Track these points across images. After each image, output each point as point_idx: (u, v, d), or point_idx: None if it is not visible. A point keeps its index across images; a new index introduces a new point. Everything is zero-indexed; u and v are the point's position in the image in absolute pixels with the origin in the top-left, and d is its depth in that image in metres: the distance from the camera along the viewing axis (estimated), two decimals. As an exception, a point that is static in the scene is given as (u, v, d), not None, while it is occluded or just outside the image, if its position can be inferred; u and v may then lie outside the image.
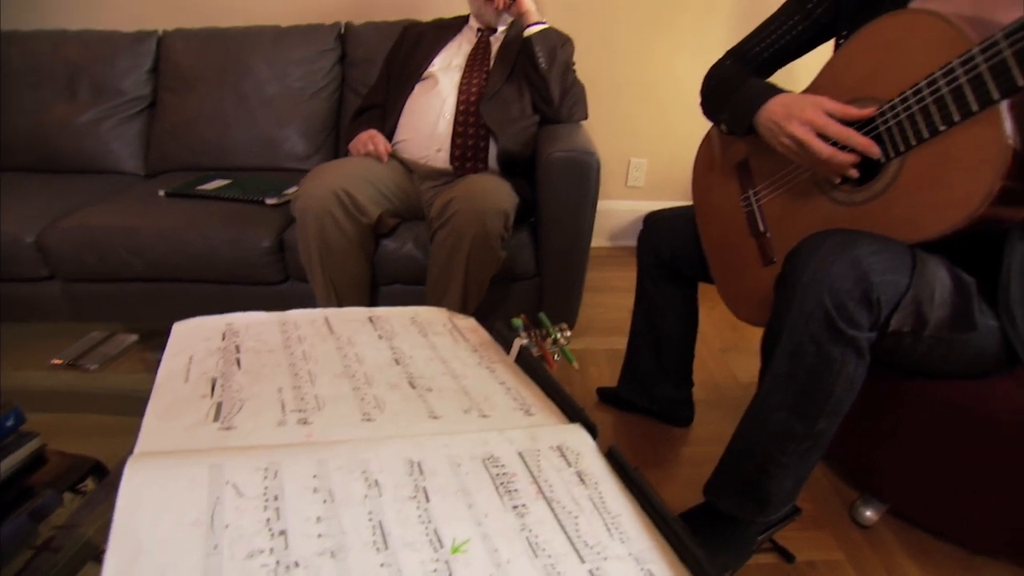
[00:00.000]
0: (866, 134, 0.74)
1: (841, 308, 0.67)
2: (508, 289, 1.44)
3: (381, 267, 1.41)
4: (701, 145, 1.07)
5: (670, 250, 1.13)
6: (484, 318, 1.40)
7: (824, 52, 0.89)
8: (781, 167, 0.89)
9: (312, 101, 1.87)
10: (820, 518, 1.11)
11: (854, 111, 0.74)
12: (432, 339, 0.72)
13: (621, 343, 1.33)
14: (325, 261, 1.28)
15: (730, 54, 1.01)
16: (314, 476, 0.42)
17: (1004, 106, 0.61)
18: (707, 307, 1.21)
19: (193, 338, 0.59)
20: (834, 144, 0.76)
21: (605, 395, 1.41)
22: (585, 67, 1.72)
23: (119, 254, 1.42)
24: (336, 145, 1.90)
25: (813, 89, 0.84)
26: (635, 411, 1.36)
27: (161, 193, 1.59)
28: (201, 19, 1.94)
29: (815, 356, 0.70)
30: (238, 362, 0.56)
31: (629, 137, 2.17)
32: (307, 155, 1.87)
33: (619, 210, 2.27)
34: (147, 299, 1.51)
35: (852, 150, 0.75)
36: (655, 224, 1.15)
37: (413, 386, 0.59)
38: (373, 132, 1.48)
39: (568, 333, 0.71)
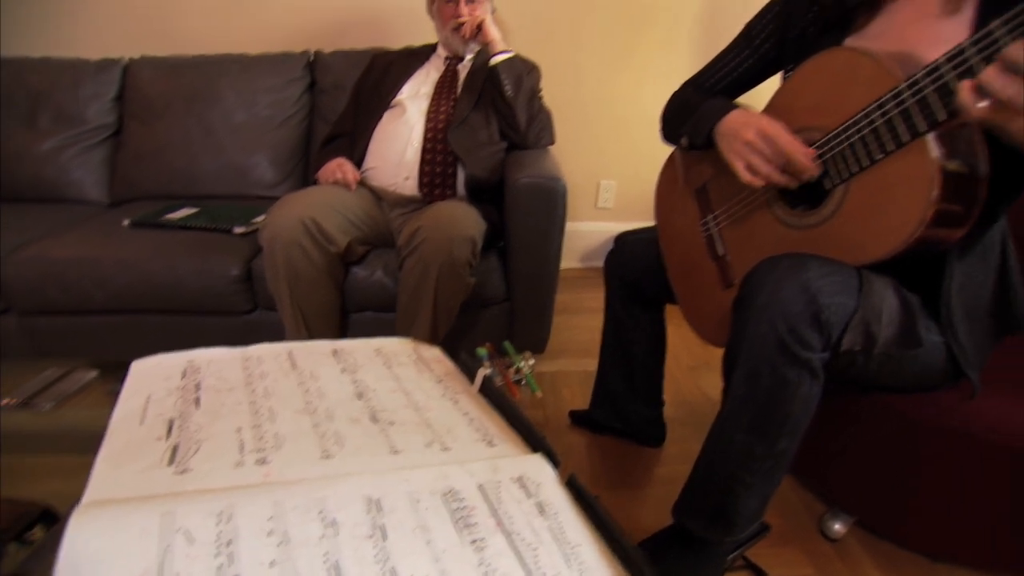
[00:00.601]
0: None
1: (793, 331, 0.70)
2: (479, 314, 1.45)
3: (351, 295, 1.40)
4: (662, 171, 1.11)
5: (635, 273, 1.15)
6: (455, 344, 1.41)
7: (775, 83, 0.94)
8: (737, 192, 0.92)
9: (281, 129, 1.87)
10: (790, 533, 1.12)
11: (800, 145, 0.78)
12: (396, 370, 0.72)
13: (594, 364, 1.35)
14: (294, 290, 1.27)
15: (688, 84, 1.05)
16: (270, 518, 0.42)
17: (932, 137, 0.65)
18: (676, 324, 1.23)
19: (152, 377, 0.59)
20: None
21: (577, 418, 1.42)
22: (553, 92, 1.76)
23: (81, 286, 1.39)
24: (306, 173, 1.90)
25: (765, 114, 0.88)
26: (608, 432, 1.37)
27: (125, 223, 1.57)
28: (168, 48, 1.93)
29: (771, 378, 0.72)
30: (197, 401, 0.55)
31: (598, 160, 2.22)
32: (276, 183, 1.86)
33: (590, 231, 2.31)
34: (110, 332, 1.47)
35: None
36: (620, 248, 1.18)
37: (375, 420, 0.59)
38: (341, 160, 1.49)
39: (532, 362, 0.72)
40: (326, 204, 1.31)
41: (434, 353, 0.79)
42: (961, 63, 0.60)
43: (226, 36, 1.98)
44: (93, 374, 0.85)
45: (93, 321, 1.46)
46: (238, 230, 1.52)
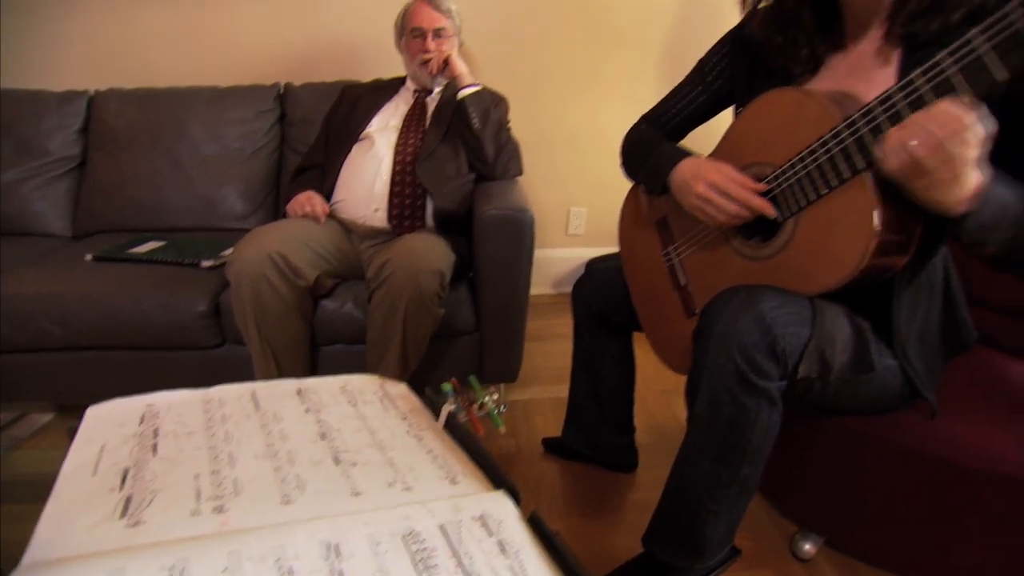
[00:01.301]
0: (764, 196, 0.81)
1: (750, 361, 0.72)
2: (449, 345, 1.45)
3: (321, 328, 1.39)
4: (625, 203, 1.14)
5: (602, 302, 1.17)
6: (425, 375, 1.41)
7: (729, 116, 0.98)
8: (695, 224, 0.95)
9: (251, 161, 1.87)
10: (761, 555, 1.13)
11: (751, 182, 0.82)
12: (362, 408, 0.72)
13: (566, 390, 1.35)
14: (261, 325, 1.26)
15: (644, 119, 1.09)
16: (224, 569, 0.42)
17: (870, 173, 0.69)
18: (647, 349, 1.25)
19: (107, 424, 0.58)
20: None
21: (550, 445, 1.42)
22: (521, 123, 1.80)
23: (38, 323, 1.36)
24: (276, 204, 1.89)
25: (718, 153, 0.92)
26: (580, 460, 1.37)
27: (88, 257, 1.54)
28: (137, 81, 1.93)
29: (731, 407, 0.74)
30: (155, 448, 0.54)
31: (568, 187, 2.26)
32: (246, 215, 1.85)
33: (561, 258, 2.34)
34: (71, 370, 1.43)
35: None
36: (587, 278, 1.20)
37: (337, 461, 0.59)
38: (310, 193, 1.49)
39: (496, 396, 0.73)
40: (294, 238, 1.31)
41: (400, 389, 0.79)
42: (890, 107, 0.64)
43: (195, 69, 1.98)
44: (48, 417, 0.83)
45: (52, 359, 1.42)
46: (206, 264, 1.50)
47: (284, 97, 1.93)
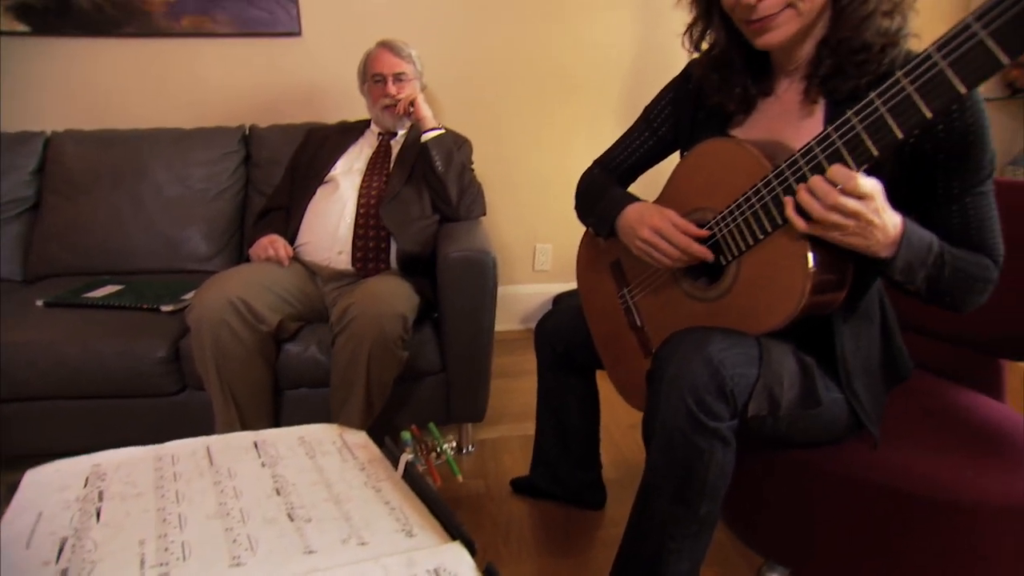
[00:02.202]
0: (707, 240, 0.86)
1: (701, 403, 0.74)
2: (415, 386, 1.45)
3: (284, 372, 1.38)
4: (580, 246, 1.17)
5: (564, 343, 1.19)
6: (391, 417, 1.40)
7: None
8: (646, 267, 0.99)
9: (216, 202, 1.86)
10: (727, 589, 1.14)
11: (693, 228, 0.86)
12: (319, 460, 0.72)
13: (534, 428, 1.36)
14: (222, 371, 1.24)
15: (597, 163, 1.14)
16: (168, 641, 0.41)
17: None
18: (612, 385, 1.27)
19: (47, 489, 0.56)
20: None
21: (518, 485, 1.42)
22: (485, 162, 1.85)
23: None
24: (241, 244, 1.88)
25: (663, 197, 0.96)
26: (549, 498, 1.37)
27: (39, 303, 1.50)
28: (97, 123, 1.92)
29: (685, 447, 0.76)
30: (98, 513, 0.53)
31: (533, 224, 2.30)
32: (210, 256, 1.83)
33: (528, 294, 2.37)
34: (18, 422, 1.37)
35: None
36: (548, 319, 1.22)
37: (292, 518, 0.59)
38: (274, 237, 1.49)
39: (454, 443, 0.74)
40: (257, 282, 1.30)
41: (359, 439, 0.79)
42: (811, 159, 0.70)
43: (159, 112, 1.98)
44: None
45: (-4, 411, 1.36)
46: (166, 308, 1.48)
47: (249, 139, 1.94)
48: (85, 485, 0.58)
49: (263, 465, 0.68)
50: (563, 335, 1.19)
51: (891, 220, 0.69)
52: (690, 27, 0.87)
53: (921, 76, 0.60)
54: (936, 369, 1.19)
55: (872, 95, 0.63)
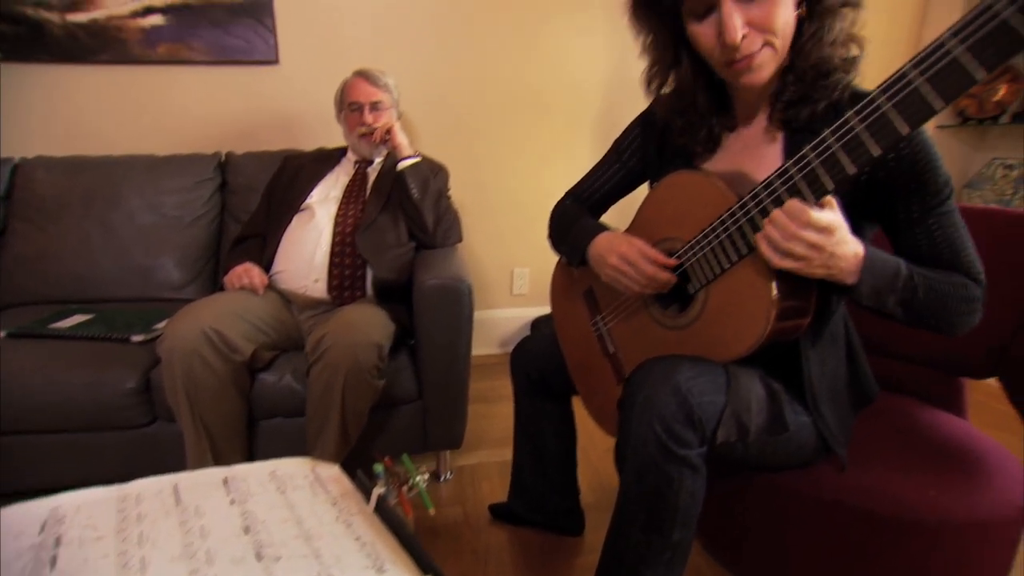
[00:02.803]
0: (675, 269, 0.88)
1: (670, 431, 0.75)
2: (392, 414, 1.44)
3: (259, 402, 1.36)
4: (554, 274, 1.19)
5: (539, 370, 1.20)
6: (368, 445, 1.38)
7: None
8: (618, 295, 1.01)
9: (190, 229, 1.85)
10: (705, 613, 1.14)
11: (661, 257, 0.88)
12: (291, 495, 0.71)
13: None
14: (194, 403, 1.22)
15: (569, 194, 1.16)
16: None
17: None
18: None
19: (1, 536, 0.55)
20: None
21: (497, 512, 1.41)
22: (465, 187, 1.87)
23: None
24: (216, 272, 1.86)
25: (634, 226, 0.99)
26: (527, 525, 1.36)
27: (2, 334, 1.46)
28: (70, 149, 1.90)
29: (655, 475, 0.77)
30: (53, 561, 0.52)
31: (511, 248, 2.32)
32: (184, 283, 1.81)
33: (506, 318, 2.38)
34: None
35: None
36: (523, 346, 1.23)
37: (260, 557, 0.58)
38: (248, 265, 1.48)
39: (427, 475, 0.74)
40: (230, 312, 1.29)
41: (332, 472, 0.78)
42: (772, 192, 0.72)
43: (134, 139, 1.97)
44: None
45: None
46: (136, 338, 1.45)
47: (225, 165, 1.93)
48: (41, 530, 0.57)
49: (232, 502, 0.67)
50: (538, 362, 1.20)
51: (852, 248, 0.72)
52: (650, 73, 0.90)
53: (870, 115, 0.63)
54: (901, 389, 1.23)
55: (826, 132, 0.67)
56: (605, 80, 2.21)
